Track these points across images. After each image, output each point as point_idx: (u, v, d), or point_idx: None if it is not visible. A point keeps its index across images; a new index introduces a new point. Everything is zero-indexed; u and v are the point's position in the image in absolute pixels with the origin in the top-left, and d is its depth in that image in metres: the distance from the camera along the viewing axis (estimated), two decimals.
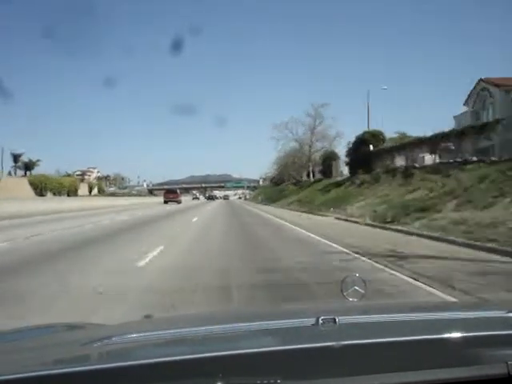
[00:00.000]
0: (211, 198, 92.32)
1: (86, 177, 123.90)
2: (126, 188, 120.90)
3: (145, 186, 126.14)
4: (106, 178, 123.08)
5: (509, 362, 1.04)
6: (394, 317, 1.57)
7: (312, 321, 1.30)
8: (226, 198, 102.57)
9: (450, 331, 1.20)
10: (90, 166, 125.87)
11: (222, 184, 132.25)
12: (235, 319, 1.85)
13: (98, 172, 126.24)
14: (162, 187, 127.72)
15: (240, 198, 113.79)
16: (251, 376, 1.00)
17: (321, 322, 1.28)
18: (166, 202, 53.19)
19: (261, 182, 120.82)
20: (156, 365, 1.04)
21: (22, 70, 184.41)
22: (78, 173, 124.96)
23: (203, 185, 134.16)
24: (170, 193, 58.52)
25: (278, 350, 1.17)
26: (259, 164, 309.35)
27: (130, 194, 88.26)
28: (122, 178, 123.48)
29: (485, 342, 1.18)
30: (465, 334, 1.20)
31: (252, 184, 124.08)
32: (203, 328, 1.47)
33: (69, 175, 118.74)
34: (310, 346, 1.15)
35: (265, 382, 0.97)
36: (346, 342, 1.14)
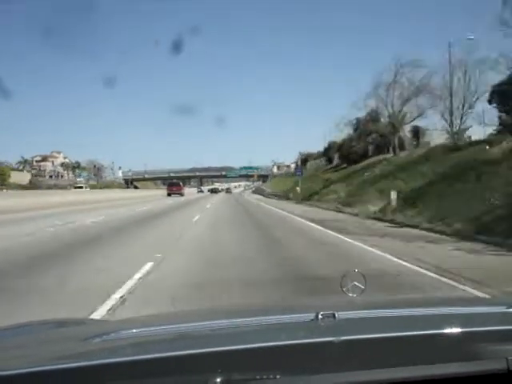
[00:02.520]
0: (214, 191, 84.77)
1: (47, 163, 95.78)
2: (102, 178, 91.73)
3: (120, 174, 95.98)
4: (75, 165, 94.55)
5: (509, 358, 1.04)
6: (393, 312, 1.58)
7: (311, 316, 1.31)
8: (228, 191, 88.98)
9: (449, 326, 1.19)
10: (55, 150, 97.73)
11: (224, 173, 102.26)
12: (234, 315, 1.85)
13: (65, 158, 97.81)
14: (143, 177, 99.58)
15: (253, 191, 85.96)
16: (250, 371, 1.01)
17: (320, 317, 1.29)
18: (169, 195, 55.12)
19: (275, 170, 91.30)
20: (153, 360, 1.04)
21: (20, 68, 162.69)
22: (38, 158, 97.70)
23: (197, 173, 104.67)
24: (174, 186, 60.92)
25: (278, 345, 1.15)
26: (264, 154, 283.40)
27: (75, 186, 60.67)
28: (95, 166, 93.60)
29: (485, 337, 1.17)
30: (465, 330, 1.19)
31: (263, 173, 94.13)
32: (202, 324, 1.50)
33: (25, 161, 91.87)
34: (309, 341, 1.16)
35: (264, 377, 0.98)
36: (345, 338, 1.13)
